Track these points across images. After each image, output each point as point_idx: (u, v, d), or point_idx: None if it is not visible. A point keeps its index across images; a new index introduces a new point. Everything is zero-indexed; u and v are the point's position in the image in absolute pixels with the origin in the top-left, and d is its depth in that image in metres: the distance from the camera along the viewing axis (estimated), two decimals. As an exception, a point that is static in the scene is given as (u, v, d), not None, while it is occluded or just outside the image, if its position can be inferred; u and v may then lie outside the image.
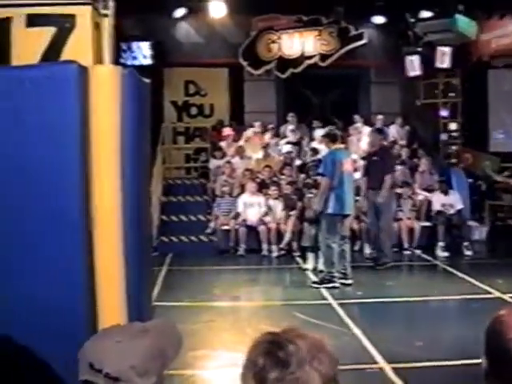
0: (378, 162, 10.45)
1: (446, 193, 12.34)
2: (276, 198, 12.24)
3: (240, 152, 13.89)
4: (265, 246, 11.88)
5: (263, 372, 1.47)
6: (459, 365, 5.68)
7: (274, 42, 15.58)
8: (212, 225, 12.36)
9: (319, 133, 13.15)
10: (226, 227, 12.15)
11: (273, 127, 15.09)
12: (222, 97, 16.26)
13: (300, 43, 15.54)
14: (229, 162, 13.52)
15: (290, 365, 1.47)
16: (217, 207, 12.48)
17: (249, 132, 14.68)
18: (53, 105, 3.81)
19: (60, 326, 3.80)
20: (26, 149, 3.83)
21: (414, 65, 14.43)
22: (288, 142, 14.48)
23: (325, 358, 1.50)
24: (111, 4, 4.50)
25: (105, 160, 3.92)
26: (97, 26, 4.40)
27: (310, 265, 10.23)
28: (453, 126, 15.47)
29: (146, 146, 4.77)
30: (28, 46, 4.24)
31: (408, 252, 11.82)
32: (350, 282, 9.11)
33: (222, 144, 14.54)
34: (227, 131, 14.92)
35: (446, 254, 11.56)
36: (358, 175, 11.32)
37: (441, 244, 11.73)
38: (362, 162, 12.50)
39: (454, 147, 15.13)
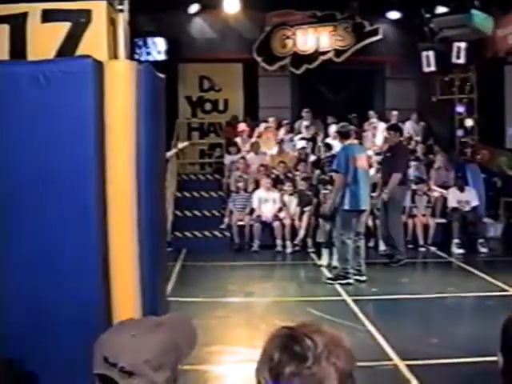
0: (389, 159, 10.43)
1: (462, 189, 12.26)
2: (291, 194, 12.22)
3: (255, 148, 13.88)
4: (279, 242, 11.86)
5: (279, 366, 1.45)
6: (473, 362, 5.63)
7: (288, 37, 15.54)
8: (226, 220, 12.36)
9: (334, 128, 13.12)
10: (240, 223, 12.15)
11: (287, 123, 15.06)
12: (236, 92, 16.27)
13: (315, 39, 15.50)
14: (243, 158, 13.52)
15: (306, 360, 1.44)
16: (231, 203, 12.48)
17: (261, 127, 14.67)
18: (68, 99, 3.83)
19: (75, 319, 3.82)
20: (42, 142, 3.85)
21: (429, 60, 14.35)
22: (302, 138, 14.44)
23: (342, 354, 1.48)
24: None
25: (120, 153, 3.94)
26: (112, 22, 4.41)
27: (324, 261, 10.21)
28: (469, 122, 15.35)
29: (162, 140, 4.78)
30: (44, 41, 4.26)
31: (423, 249, 11.77)
32: (364, 278, 9.07)
33: (237, 140, 14.53)
34: (242, 127, 14.93)
35: (461, 250, 11.49)
36: (372, 171, 11.28)
37: (456, 241, 11.65)
38: (376, 158, 12.49)
39: (469, 143, 15.02)
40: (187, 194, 13.30)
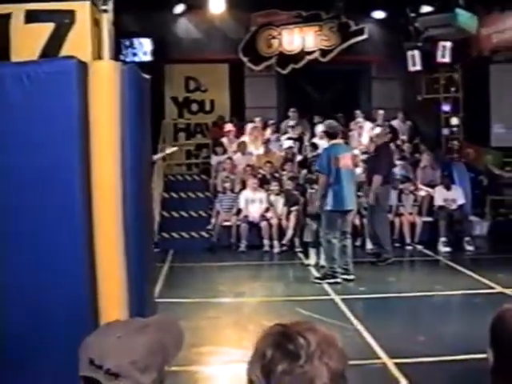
0: (373, 159, 10.45)
1: (448, 188, 12.31)
2: (277, 194, 12.22)
3: (242, 148, 13.86)
4: (266, 242, 11.86)
5: (271, 364, 1.44)
6: (462, 360, 5.66)
7: (274, 37, 15.54)
8: (213, 221, 12.35)
9: (320, 128, 13.13)
10: (227, 223, 12.14)
11: (273, 123, 15.05)
12: (222, 93, 16.24)
13: (300, 39, 15.50)
14: (230, 158, 13.50)
15: (299, 358, 1.43)
16: (218, 203, 12.46)
17: (249, 127, 14.66)
18: (53, 100, 3.81)
19: (61, 321, 3.80)
20: (26, 143, 3.82)
21: (414, 60, 14.38)
22: (289, 138, 14.45)
23: (334, 354, 1.47)
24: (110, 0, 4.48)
25: (105, 154, 3.92)
26: (96, 22, 4.40)
27: (312, 260, 10.22)
28: (454, 120, 15.42)
29: (147, 140, 4.76)
30: (27, 41, 4.23)
31: (410, 247, 11.81)
32: (352, 277, 9.09)
33: (223, 140, 14.50)
34: (228, 127, 14.90)
35: (447, 249, 11.53)
36: (359, 170, 11.29)
37: (442, 239, 11.70)
38: (362, 157, 12.52)
39: (455, 142, 15.08)
40: (174, 195, 13.27)
